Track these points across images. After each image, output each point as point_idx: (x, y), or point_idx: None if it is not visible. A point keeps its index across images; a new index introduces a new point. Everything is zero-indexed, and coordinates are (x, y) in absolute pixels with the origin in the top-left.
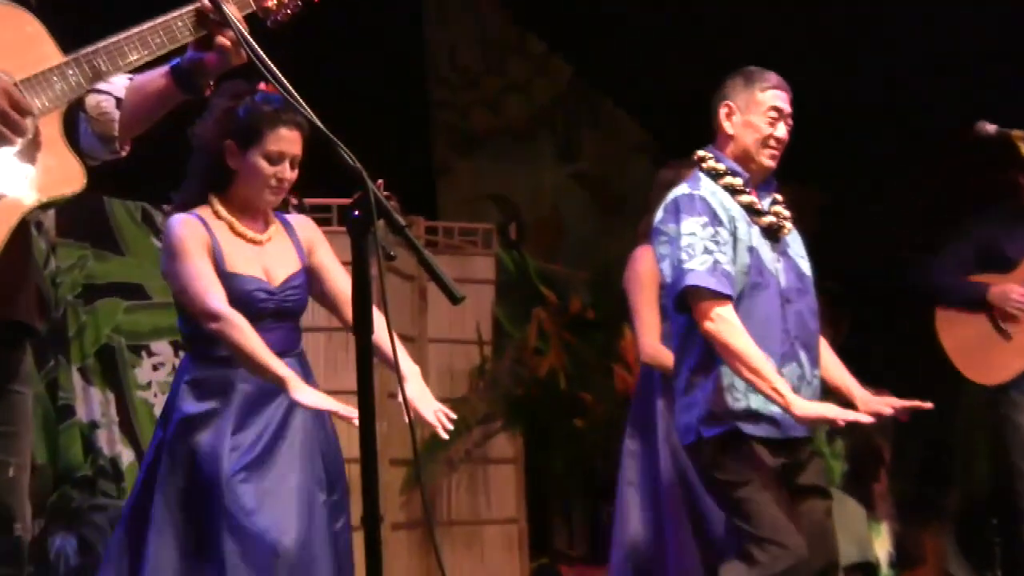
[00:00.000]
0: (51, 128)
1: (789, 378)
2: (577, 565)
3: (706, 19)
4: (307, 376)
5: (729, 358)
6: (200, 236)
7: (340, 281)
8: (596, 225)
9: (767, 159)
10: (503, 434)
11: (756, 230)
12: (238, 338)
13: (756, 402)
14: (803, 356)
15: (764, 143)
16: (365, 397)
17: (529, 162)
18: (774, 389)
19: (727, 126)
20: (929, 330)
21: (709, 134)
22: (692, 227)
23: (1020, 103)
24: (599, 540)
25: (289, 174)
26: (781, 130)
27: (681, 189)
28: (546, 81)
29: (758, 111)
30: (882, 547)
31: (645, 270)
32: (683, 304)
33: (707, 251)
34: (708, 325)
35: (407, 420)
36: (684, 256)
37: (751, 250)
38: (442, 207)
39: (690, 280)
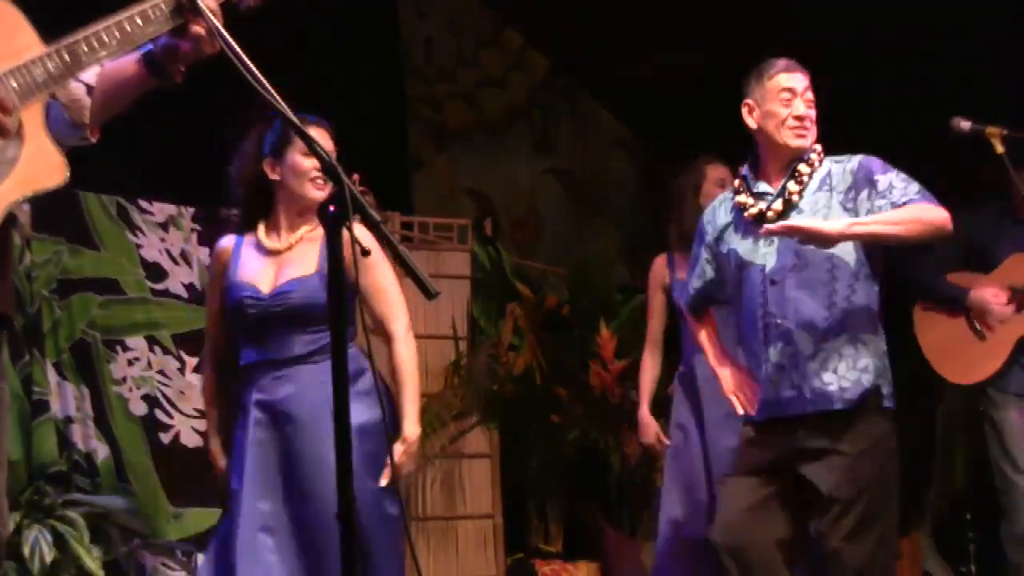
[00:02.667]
0: (33, 120)
1: (777, 358)
2: (552, 561)
3: (684, 13)
4: (353, 376)
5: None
6: (215, 266)
7: (374, 303)
8: (573, 221)
9: (794, 139)
10: (478, 430)
11: (743, 228)
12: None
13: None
14: (800, 333)
15: (784, 124)
16: (340, 392)
17: (505, 157)
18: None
19: (751, 122)
20: (909, 328)
21: (687, 129)
22: (695, 249)
23: (997, 99)
24: (574, 536)
25: None
26: (799, 107)
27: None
28: (522, 75)
29: (772, 97)
30: None
31: (654, 276)
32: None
33: (694, 273)
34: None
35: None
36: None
37: (731, 252)
38: (417, 202)
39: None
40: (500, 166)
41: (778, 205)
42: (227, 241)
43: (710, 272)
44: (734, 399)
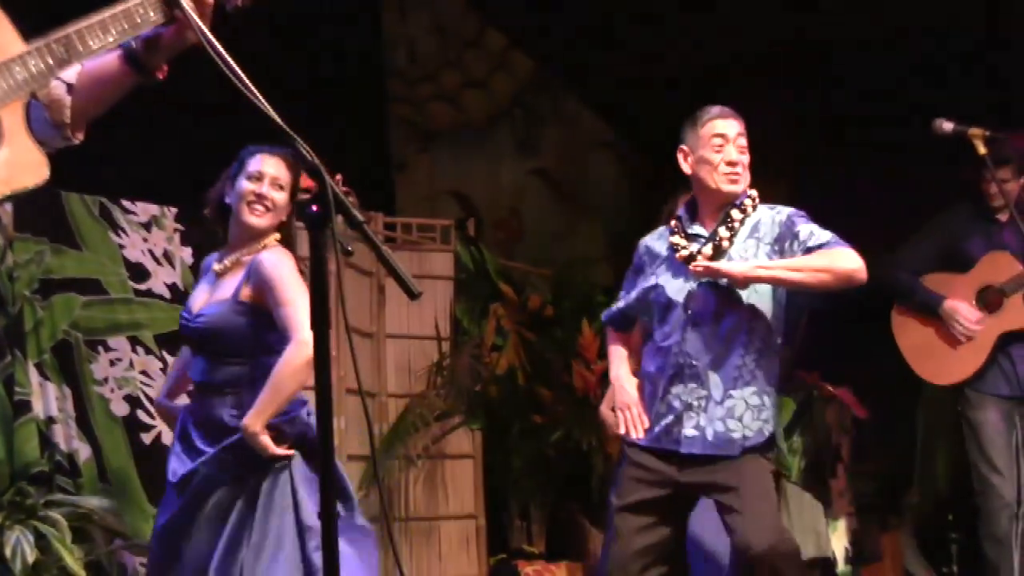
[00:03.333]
0: (14, 119)
1: (686, 397)
2: (535, 561)
3: (667, 15)
4: (233, 415)
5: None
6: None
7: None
8: (556, 222)
9: (726, 184)
10: (461, 430)
11: (673, 267)
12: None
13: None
14: (712, 377)
15: (716, 170)
16: (323, 393)
17: (489, 157)
18: (611, 377)
19: (686, 168)
20: (889, 329)
21: (670, 130)
22: (627, 273)
23: (977, 102)
24: (557, 536)
25: (271, 192)
26: (731, 153)
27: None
28: (506, 75)
29: (705, 143)
30: (839, 543)
31: None
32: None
33: (623, 291)
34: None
35: (365, 417)
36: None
37: (658, 287)
38: (400, 203)
39: (604, 316)
40: (483, 167)
41: (708, 250)
42: (207, 259)
43: (633, 299)
44: (620, 414)
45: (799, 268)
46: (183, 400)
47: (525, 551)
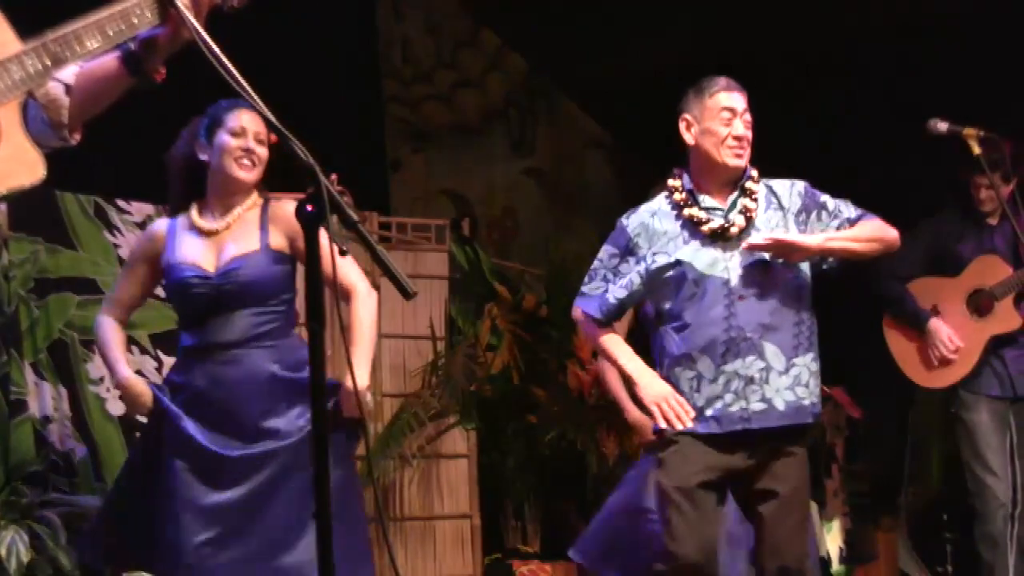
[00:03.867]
0: (10, 118)
1: (745, 372)
2: (530, 561)
3: (661, 14)
4: (296, 366)
5: (603, 360)
6: (147, 245)
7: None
8: (550, 221)
9: (732, 158)
10: (456, 430)
11: (696, 242)
12: (99, 336)
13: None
14: (770, 348)
15: (724, 143)
16: (318, 391)
17: (483, 157)
18: (626, 372)
19: (688, 138)
20: (882, 330)
21: (664, 130)
22: (603, 254)
23: (976, 101)
24: (552, 536)
25: (255, 147)
26: (738, 127)
27: (628, 213)
28: (500, 75)
29: (712, 116)
30: (834, 543)
31: None
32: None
33: (604, 279)
34: (596, 343)
35: (359, 416)
36: (586, 278)
37: (677, 264)
38: (395, 202)
39: (577, 302)
40: (477, 167)
41: (741, 221)
42: (160, 224)
43: (638, 283)
44: (656, 408)
45: (859, 239)
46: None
47: (520, 551)
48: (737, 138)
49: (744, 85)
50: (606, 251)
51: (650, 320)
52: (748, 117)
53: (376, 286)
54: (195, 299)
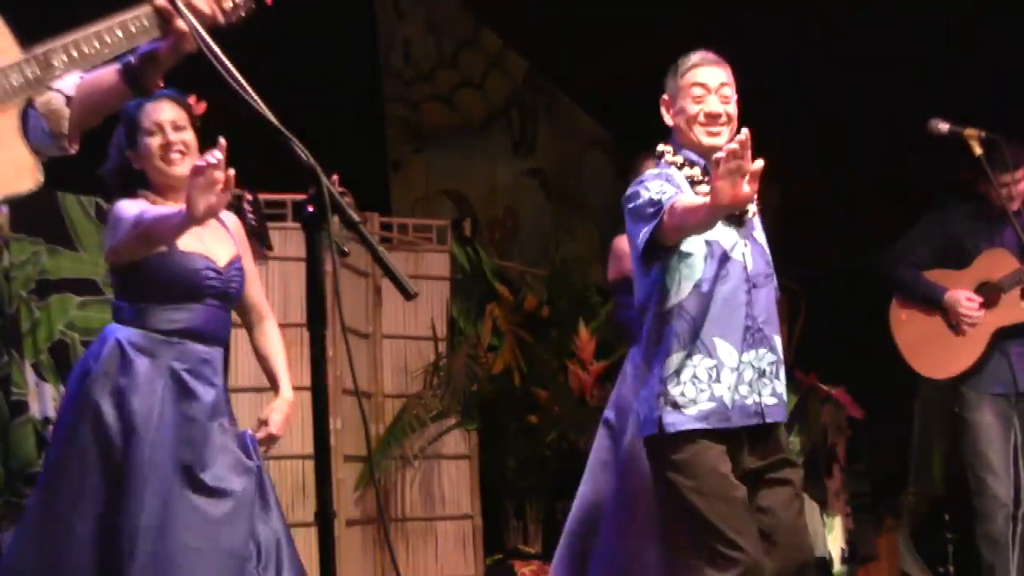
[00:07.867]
0: (8, 124)
1: (758, 364)
2: (531, 561)
3: (661, 13)
4: (216, 373)
5: (682, 220)
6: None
7: (253, 286)
8: (551, 221)
9: (706, 137)
10: (457, 431)
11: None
12: (154, 216)
13: (701, 393)
14: (776, 340)
15: (695, 121)
16: (319, 394)
17: (484, 158)
18: (701, 206)
19: (667, 118)
20: (885, 327)
21: (665, 130)
22: (648, 189)
23: (977, 101)
24: (553, 536)
25: (177, 137)
26: (712, 103)
27: (648, 170)
28: (501, 76)
29: (685, 93)
30: (835, 543)
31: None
32: (652, 249)
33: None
34: (666, 220)
35: (362, 417)
36: (632, 218)
37: (708, 243)
38: (396, 203)
39: (640, 228)
40: (479, 167)
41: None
42: (141, 200)
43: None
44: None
45: None
46: None
47: (521, 551)
48: (710, 115)
49: (744, 85)
50: (657, 184)
51: (648, 305)
52: (727, 92)
53: (377, 287)
54: (201, 289)
